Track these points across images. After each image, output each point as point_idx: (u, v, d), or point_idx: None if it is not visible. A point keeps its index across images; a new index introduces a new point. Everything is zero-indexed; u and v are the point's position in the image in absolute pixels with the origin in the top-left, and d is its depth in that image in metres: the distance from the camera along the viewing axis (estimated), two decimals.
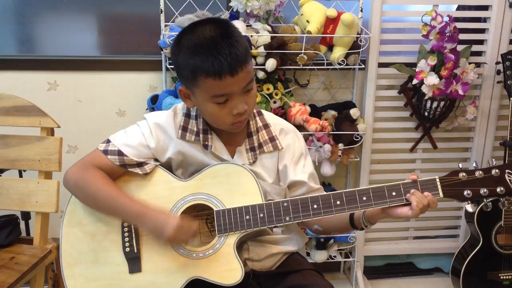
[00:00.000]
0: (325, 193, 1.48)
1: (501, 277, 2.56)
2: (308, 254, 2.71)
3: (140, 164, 1.54)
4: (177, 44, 1.43)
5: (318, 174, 2.13)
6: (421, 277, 3.04)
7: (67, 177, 1.54)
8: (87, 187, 1.50)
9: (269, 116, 1.65)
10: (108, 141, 1.55)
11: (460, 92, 2.48)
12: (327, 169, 2.59)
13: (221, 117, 1.45)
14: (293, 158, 1.61)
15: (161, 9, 2.42)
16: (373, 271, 3.03)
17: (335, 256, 2.78)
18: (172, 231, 1.39)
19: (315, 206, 1.43)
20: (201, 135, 1.54)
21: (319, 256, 2.71)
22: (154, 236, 1.48)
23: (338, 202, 1.42)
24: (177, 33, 1.51)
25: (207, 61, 1.35)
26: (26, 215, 2.26)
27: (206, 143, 1.54)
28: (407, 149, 2.82)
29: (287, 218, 1.44)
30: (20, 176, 2.18)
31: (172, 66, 2.44)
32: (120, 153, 1.52)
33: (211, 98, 1.41)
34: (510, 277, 2.56)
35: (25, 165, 2.00)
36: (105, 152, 1.53)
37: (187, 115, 1.57)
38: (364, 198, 1.41)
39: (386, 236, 2.97)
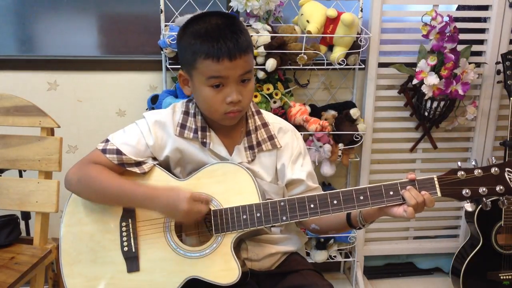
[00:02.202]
0: (322, 192, 1.48)
1: (501, 277, 2.56)
2: (308, 254, 2.71)
3: (138, 164, 1.54)
4: (183, 29, 1.49)
5: (318, 174, 2.13)
6: (421, 277, 3.04)
7: (69, 177, 1.54)
8: (92, 181, 1.51)
9: (268, 116, 1.66)
10: (107, 141, 1.55)
11: (460, 92, 2.48)
12: (327, 169, 2.59)
13: (215, 103, 1.46)
14: (291, 157, 1.61)
15: (161, 9, 2.42)
16: (373, 271, 3.03)
17: (335, 256, 2.78)
18: (186, 204, 1.40)
19: (312, 206, 1.43)
20: (199, 133, 1.55)
21: (319, 256, 2.71)
22: (168, 215, 1.48)
23: (335, 202, 1.42)
24: (177, 33, 1.53)
25: (208, 42, 1.40)
26: (26, 215, 2.26)
27: (205, 140, 1.55)
28: (407, 149, 2.82)
29: (284, 218, 1.44)
30: (20, 176, 2.18)
31: (172, 66, 2.44)
32: (118, 152, 1.52)
33: (207, 80, 1.44)
34: (510, 277, 2.56)
35: (25, 165, 2.00)
36: (104, 151, 1.53)
37: (186, 112, 1.58)
38: (361, 198, 1.40)
39: (386, 236, 2.96)
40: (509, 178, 1.36)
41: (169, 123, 1.57)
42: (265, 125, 1.61)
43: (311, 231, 1.64)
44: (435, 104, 2.56)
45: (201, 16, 1.48)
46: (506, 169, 1.37)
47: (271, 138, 1.60)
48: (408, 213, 1.36)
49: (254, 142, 1.58)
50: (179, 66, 1.55)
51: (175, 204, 1.41)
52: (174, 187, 1.49)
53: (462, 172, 1.37)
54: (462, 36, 2.49)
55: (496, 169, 1.37)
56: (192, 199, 1.41)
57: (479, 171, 1.37)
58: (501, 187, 1.36)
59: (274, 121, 1.65)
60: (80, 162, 1.56)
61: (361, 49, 2.51)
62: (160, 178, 1.55)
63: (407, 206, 1.37)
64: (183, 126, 1.56)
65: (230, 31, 1.41)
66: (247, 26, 2.45)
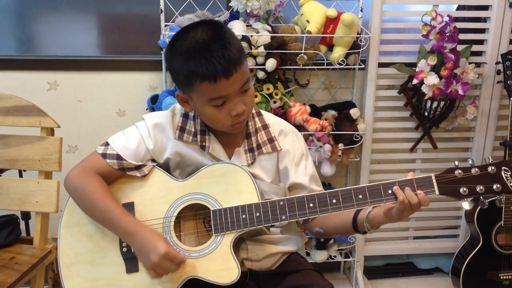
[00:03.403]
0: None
1: (501, 277, 2.56)
2: (308, 254, 2.71)
3: (138, 167, 1.54)
4: (170, 49, 1.44)
5: (318, 174, 2.11)
6: (421, 277, 3.04)
7: (68, 180, 1.54)
8: (85, 195, 1.50)
9: (269, 117, 1.65)
10: (107, 144, 1.55)
11: (460, 92, 2.48)
12: (327, 169, 2.59)
13: (220, 119, 1.45)
14: (294, 159, 1.60)
15: (161, 9, 2.42)
16: (373, 271, 3.03)
17: (335, 256, 2.79)
18: (157, 258, 1.39)
19: (311, 205, 1.43)
20: (198, 136, 1.55)
21: (319, 256, 2.71)
22: (139, 257, 1.47)
23: (334, 201, 1.42)
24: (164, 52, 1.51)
25: (201, 65, 1.35)
26: (26, 215, 2.26)
27: (204, 144, 1.54)
28: (407, 149, 2.82)
29: (283, 217, 1.44)
30: (20, 176, 2.18)
31: None
32: (119, 157, 1.52)
33: (208, 101, 1.42)
34: (510, 277, 2.56)
35: (25, 165, 2.00)
36: (104, 155, 1.52)
37: (185, 115, 1.58)
38: (360, 196, 1.40)
39: (386, 236, 2.96)
40: (506, 177, 1.37)
41: (168, 127, 1.56)
42: (265, 127, 1.60)
43: (314, 234, 1.64)
44: (435, 104, 2.56)
45: (185, 31, 1.43)
46: (503, 167, 1.38)
47: (271, 140, 1.59)
48: (396, 212, 1.39)
49: (254, 145, 1.58)
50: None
51: (148, 252, 1.40)
52: (158, 233, 1.46)
53: (460, 171, 1.38)
54: (462, 36, 2.49)
55: (493, 167, 1.38)
56: (165, 256, 1.39)
57: (476, 169, 1.38)
58: (498, 186, 1.37)
59: (275, 123, 1.64)
60: (81, 166, 1.55)
61: (361, 49, 2.51)
62: (159, 179, 1.55)
63: (397, 209, 1.38)
64: (182, 129, 1.56)
65: (219, 46, 1.36)
66: (247, 26, 2.45)
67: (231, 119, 1.45)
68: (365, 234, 1.53)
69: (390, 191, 1.39)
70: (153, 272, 1.43)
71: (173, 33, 2.22)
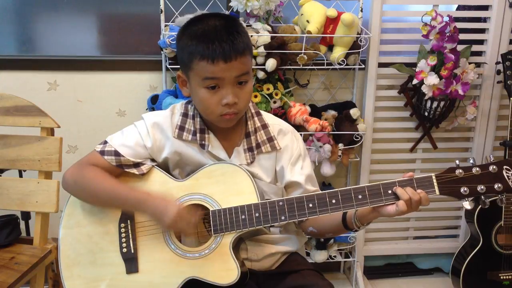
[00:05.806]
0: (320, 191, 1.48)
1: (501, 277, 2.56)
2: (308, 254, 2.71)
3: (136, 165, 1.54)
4: (182, 29, 1.49)
5: (318, 174, 2.12)
6: (421, 277, 3.04)
7: (66, 178, 1.55)
8: (87, 183, 1.51)
9: (268, 117, 1.66)
10: (105, 142, 1.55)
11: (460, 92, 2.48)
12: (327, 169, 2.59)
13: (210, 105, 1.46)
14: (291, 159, 1.60)
15: (161, 9, 2.43)
16: (373, 271, 3.03)
17: (335, 256, 2.78)
18: (171, 219, 1.39)
19: (310, 205, 1.42)
20: (198, 135, 1.55)
21: (319, 256, 2.71)
22: (156, 222, 1.48)
23: (333, 201, 1.41)
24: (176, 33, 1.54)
25: (203, 43, 1.40)
26: (26, 215, 2.26)
27: (203, 142, 1.55)
28: (407, 149, 2.82)
29: (283, 218, 1.44)
30: (20, 176, 2.18)
31: (172, 66, 2.45)
32: (116, 154, 1.52)
33: (203, 81, 1.44)
34: (510, 277, 2.56)
35: (25, 165, 2.00)
36: (102, 152, 1.53)
37: (185, 114, 1.58)
38: (360, 197, 1.39)
39: (386, 236, 2.96)
40: (507, 176, 1.35)
41: (167, 125, 1.57)
42: (264, 126, 1.61)
43: (308, 234, 1.64)
44: (435, 104, 2.56)
45: (201, 18, 1.48)
46: (504, 167, 1.36)
47: (270, 140, 1.59)
48: (399, 206, 1.34)
49: (254, 144, 1.58)
50: (179, 66, 1.55)
51: (161, 214, 1.41)
52: (167, 197, 1.47)
53: (460, 170, 1.37)
54: (462, 36, 2.49)
55: (494, 167, 1.36)
56: (179, 215, 1.40)
57: (477, 169, 1.36)
58: (499, 185, 1.35)
59: (274, 123, 1.64)
60: (77, 164, 1.56)
61: (361, 49, 2.51)
62: (158, 179, 1.55)
63: (397, 207, 1.35)
64: (181, 128, 1.56)
65: (226, 32, 1.41)
66: (247, 26, 2.45)
67: (221, 108, 1.46)
68: (357, 232, 1.52)
69: (390, 191, 1.38)
70: (176, 227, 1.44)
71: (173, 33, 2.24)
